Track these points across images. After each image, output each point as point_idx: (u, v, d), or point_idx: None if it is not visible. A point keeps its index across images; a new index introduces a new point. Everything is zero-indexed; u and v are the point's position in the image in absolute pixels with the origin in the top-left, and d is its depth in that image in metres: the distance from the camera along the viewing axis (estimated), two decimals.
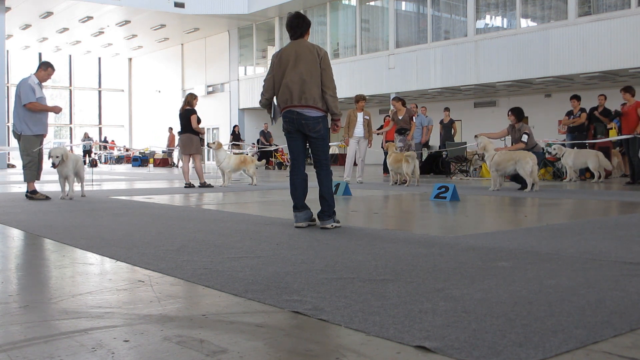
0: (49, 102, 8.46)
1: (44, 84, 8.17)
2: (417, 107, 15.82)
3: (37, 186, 8.39)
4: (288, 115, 4.95)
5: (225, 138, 29.29)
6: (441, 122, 16.87)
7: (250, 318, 2.30)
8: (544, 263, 3.33)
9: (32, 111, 7.87)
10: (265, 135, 23.07)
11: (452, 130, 16.63)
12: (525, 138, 9.82)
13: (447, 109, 16.84)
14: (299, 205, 5.01)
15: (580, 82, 18.99)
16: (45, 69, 8.13)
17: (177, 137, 14.92)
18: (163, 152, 28.12)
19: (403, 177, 11.13)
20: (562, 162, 12.54)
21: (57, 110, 8.25)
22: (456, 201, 7.59)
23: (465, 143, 15.99)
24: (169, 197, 8.79)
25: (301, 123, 4.93)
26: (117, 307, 2.47)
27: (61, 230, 4.86)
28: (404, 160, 10.80)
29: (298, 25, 5.04)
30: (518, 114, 10.04)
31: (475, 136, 10.04)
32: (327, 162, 5.10)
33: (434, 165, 16.42)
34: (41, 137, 8.10)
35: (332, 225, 4.88)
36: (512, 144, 10.16)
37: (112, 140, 35.56)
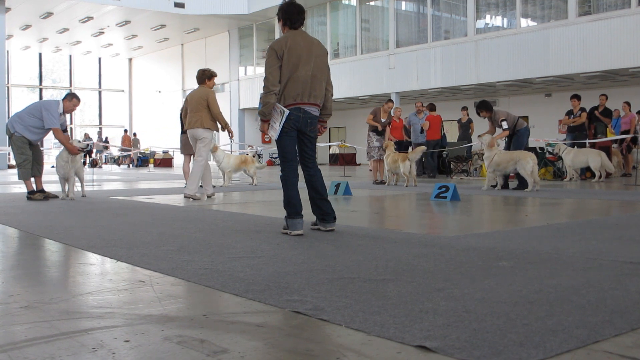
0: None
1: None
2: (422, 105, 15.63)
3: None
4: (295, 113, 4.56)
5: (224, 138, 29.26)
6: (459, 120, 16.67)
7: (250, 318, 2.30)
8: (545, 263, 3.33)
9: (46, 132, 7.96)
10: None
11: (470, 130, 16.43)
12: (505, 125, 9.86)
13: (465, 108, 16.47)
14: (300, 209, 4.58)
15: (580, 82, 19.01)
16: (71, 99, 8.10)
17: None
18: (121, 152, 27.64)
19: (400, 177, 11.12)
20: (563, 161, 12.55)
21: (73, 151, 7.92)
22: (456, 201, 7.59)
23: (465, 143, 15.96)
24: (169, 198, 8.78)
25: (306, 122, 4.63)
26: (117, 307, 2.47)
27: (62, 231, 4.86)
28: (401, 160, 10.79)
29: (300, 12, 4.72)
30: (485, 106, 10.01)
31: (479, 136, 10.04)
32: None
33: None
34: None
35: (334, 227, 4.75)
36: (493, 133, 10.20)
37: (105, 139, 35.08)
